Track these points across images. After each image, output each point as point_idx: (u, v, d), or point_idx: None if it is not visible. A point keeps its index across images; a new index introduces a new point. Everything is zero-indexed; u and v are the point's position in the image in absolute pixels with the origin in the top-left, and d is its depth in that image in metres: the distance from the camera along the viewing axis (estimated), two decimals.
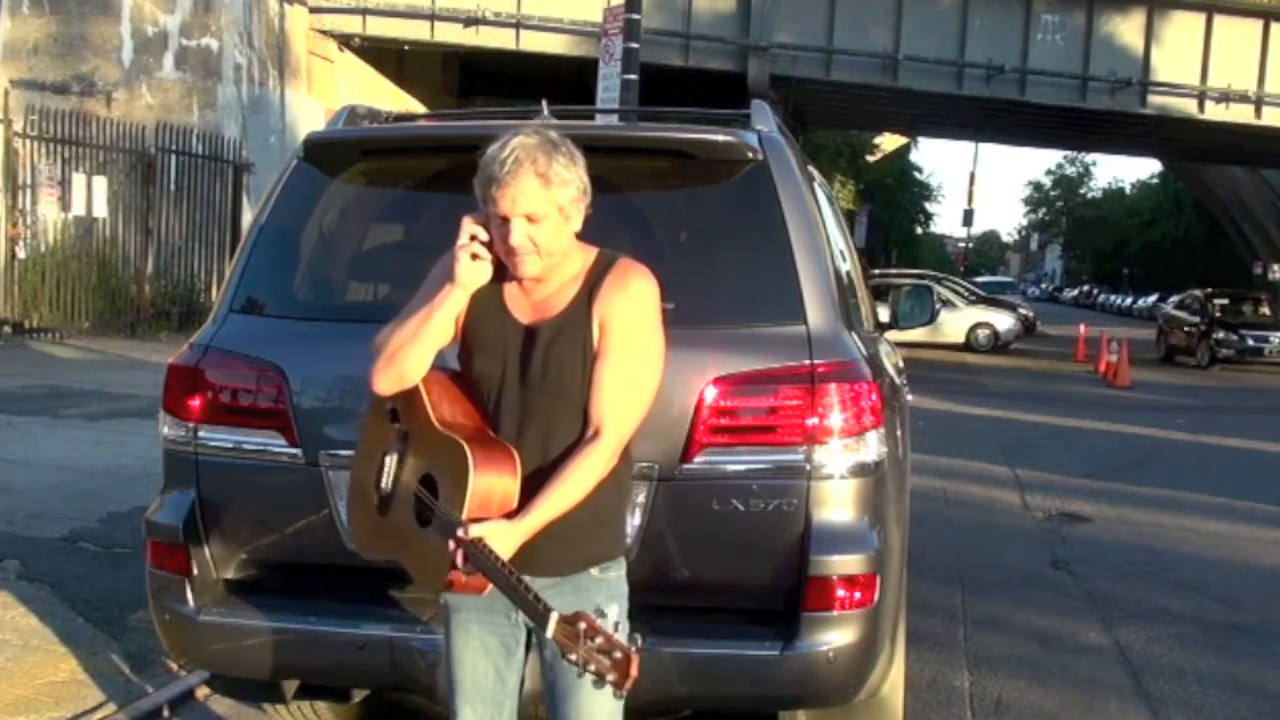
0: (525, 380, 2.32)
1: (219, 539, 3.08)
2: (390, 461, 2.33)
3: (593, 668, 2.05)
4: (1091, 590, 6.24)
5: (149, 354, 13.02)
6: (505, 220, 2.23)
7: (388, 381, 2.34)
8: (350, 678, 3.18)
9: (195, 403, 3.07)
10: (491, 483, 2.20)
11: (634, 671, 2.04)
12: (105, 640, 4.45)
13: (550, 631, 2.08)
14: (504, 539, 2.18)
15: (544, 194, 2.22)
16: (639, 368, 2.33)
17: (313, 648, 2.99)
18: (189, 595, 3.05)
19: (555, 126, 2.39)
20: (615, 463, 2.32)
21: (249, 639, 3.02)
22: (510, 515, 2.21)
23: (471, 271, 2.30)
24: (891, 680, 3.25)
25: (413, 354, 2.32)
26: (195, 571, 3.06)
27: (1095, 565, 6.79)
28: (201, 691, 4.11)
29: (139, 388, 10.20)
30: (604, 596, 2.33)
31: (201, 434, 3.07)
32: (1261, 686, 4.90)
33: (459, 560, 2.16)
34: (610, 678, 2.04)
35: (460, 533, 2.15)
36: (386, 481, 2.33)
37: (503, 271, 2.33)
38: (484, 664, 2.45)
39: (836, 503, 2.87)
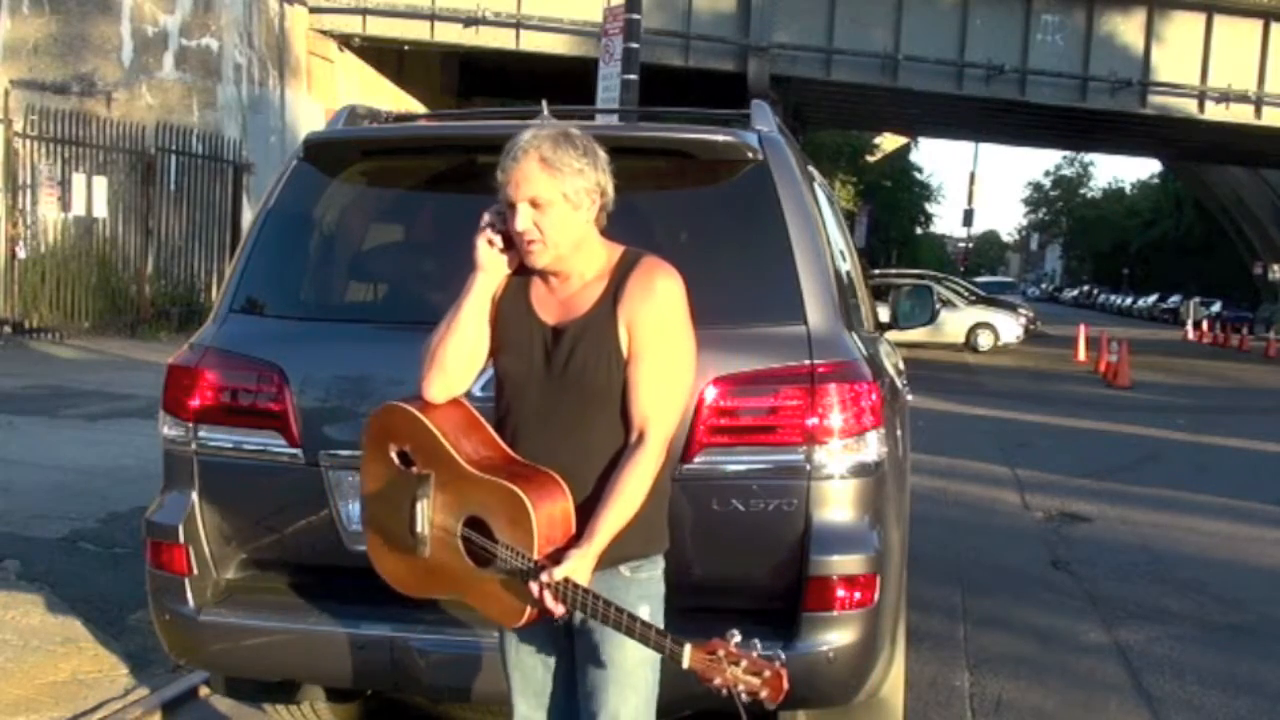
0: (551, 379, 2.32)
1: (219, 539, 3.08)
2: (422, 507, 2.29)
3: (741, 689, 2.05)
4: (1091, 590, 6.23)
5: (149, 354, 13.01)
6: (512, 206, 2.26)
7: (437, 386, 2.34)
8: (350, 678, 3.17)
9: (195, 403, 3.07)
10: (551, 512, 2.20)
11: (786, 685, 2.05)
12: (105, 640, 4.44)
13: (686, 664, 2.08)
14: (584, 571, 2.18)
15: (547, 180, 2.23)
16: (673, 368, 2.33)
17: (313, 648, 2.99)
18: (189, 595, 3.05)
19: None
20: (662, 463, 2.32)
21: (249, 639, 3.03)
22: (575, 537, 2.21)
23: (489, 256, 2.34)
24: (891, 680, 3.25)
25: (452, 348, 2.34)
26: (195, 571, 3.07)
27: (1095, 565, 6.79)
28: (201, 691, 4.11)
29: (139, 388, 10.20)
30: (635, 596, 2.32)
31: (201, 434, 3.07)
32: (1261, 686, 4.90)
33: (548, 600, 2.15)
34: (764, 694, 2.05)
35: (545, 577, 2.14)
36: (421, 526, 2.29)
37: (530, 271, 2.36)
38: (531, 659, 2.48)
39: (836, 503, 2.87)
